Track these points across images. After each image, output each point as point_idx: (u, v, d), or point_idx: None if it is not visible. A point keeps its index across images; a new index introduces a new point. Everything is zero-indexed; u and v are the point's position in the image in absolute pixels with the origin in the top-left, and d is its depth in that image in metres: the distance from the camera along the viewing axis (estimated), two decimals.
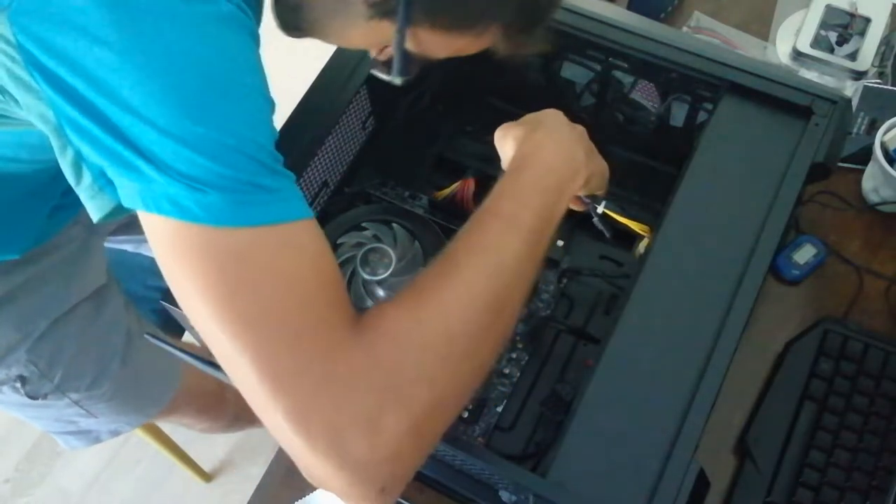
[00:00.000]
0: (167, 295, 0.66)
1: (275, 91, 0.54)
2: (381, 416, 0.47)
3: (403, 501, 0.80)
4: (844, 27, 1.02)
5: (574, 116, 0.87)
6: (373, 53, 0.64)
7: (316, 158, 0.76)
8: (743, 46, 1.07)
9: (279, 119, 0.63)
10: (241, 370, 0.47)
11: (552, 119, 0.69)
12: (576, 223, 0.86)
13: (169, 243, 0.48)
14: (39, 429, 1.03)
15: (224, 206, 0.46)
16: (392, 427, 0.47)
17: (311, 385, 0.46)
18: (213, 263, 0.47)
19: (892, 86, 1.00)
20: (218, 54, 0.48)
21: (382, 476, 0.47)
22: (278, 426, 0.46)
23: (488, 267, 0.55)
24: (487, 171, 0.85)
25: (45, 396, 0.90)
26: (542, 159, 0.64)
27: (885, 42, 1.01)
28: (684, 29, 1.08)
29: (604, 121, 0.86)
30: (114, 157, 0.47)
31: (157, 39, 0.45)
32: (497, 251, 0.56)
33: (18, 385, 0.87)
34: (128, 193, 0.48)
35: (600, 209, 0.72)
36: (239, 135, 0.48)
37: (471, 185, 0.84)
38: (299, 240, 0.49)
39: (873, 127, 0.95)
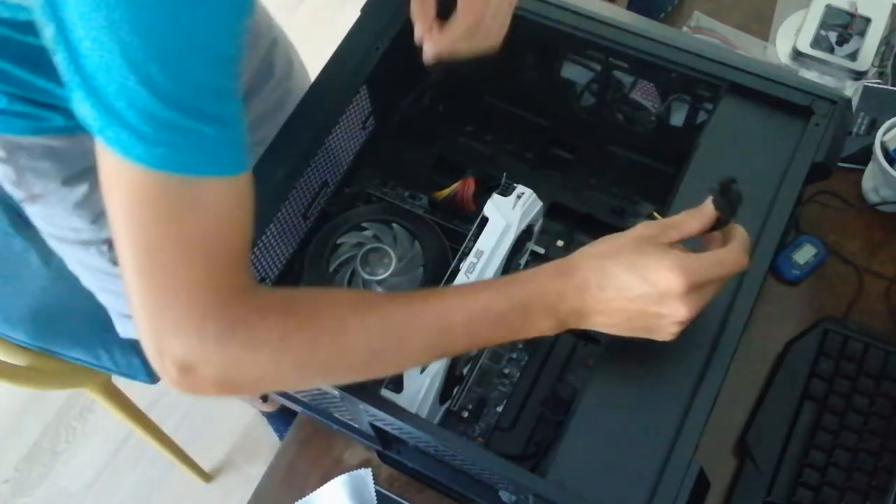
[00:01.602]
0: None
1: None
2: (201, 371, 0.53)
3: (403, 501, 0.80)
4: (844, 27, 1.02)
5: (574, 116, 0.87)
6: None
7: (316, 158, 0.76)
8: (743, 46, 1.07)
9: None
10: (127, 290, 0.52)
11: (633, 288, 0.56)
12: (576, 223, 0.86)
13: (100, 160, 0.50)
14: (105, 304, 1.02)
15: (138, 142, 0.47)
16: (207, 381, 0.53)
17: (166, 328, 0.52)
18: (124, 196, 0.49)
19: (892, 86, 1.00)
20: None
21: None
22: (141, 339, 0.53)
23: (388, 352, 0.57)
24: (487, 171, 0.85)
25: None
26: (574, 298, 0.57)
27: (885, 42, 1.01)
28: (684, 29, 1.08)
29: (604, 121, 0.86)
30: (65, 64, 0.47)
31: None
32: (423, 343, 0.57)
33: (105, 249, 0.89)
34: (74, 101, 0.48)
35: None
36: (182, 75, 0.47)
37: (471, 185, 0.84)
38: (206, 198, 0.50)
39: (873, 127, 0.95)
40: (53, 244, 0.95)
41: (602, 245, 0.58)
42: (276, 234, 0.74)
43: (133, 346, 1.20)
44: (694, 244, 0.60)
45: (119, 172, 0.49)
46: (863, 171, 0.94)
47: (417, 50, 0.73)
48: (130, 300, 0.52)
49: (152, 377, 1.22)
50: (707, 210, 0.58)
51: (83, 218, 0.87)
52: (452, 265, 0.72)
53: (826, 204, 0.93)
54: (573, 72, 0.84)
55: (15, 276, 1.24)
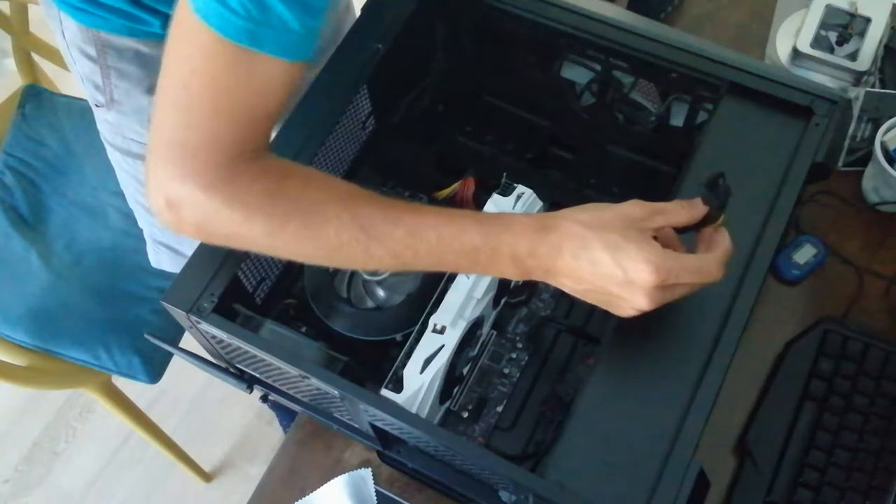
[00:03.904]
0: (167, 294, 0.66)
1: None
2: (184, 211, 0.58)
3: (403, 501, 0.80)
4: (844, 27, 1.02)
5: (574, 116, 0.87)
6: None
7: (316, 158, 0.76)
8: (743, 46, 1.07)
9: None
10: (152, 118, 0.58)
11: (608, 257, 0.56)
12: None
13: (178, 13, 0.56)
14: (143, 226, 1.04)
15: (221, 8, 0.53)
16: (187, 223, 0.59)
17: (169, 163, 0.57)
18: (186, 46, 0.56)
19: (887, 88, 0.99)
20: None
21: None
22: (146, 167, 0.59)
23: (355, 249, 0.59)
24: (487, 171, 0.85)
25: None
26: (545, 256, 0.58)
27: (881, 44, 1.01)
28: None
29: (604, 121, 0.86)
30: None
31: None
32: (389, 250, 0.59)
33: None
34: None
35: None
36: None
37: (471, 185, 0.84)
38: (258, 69, 0.56)
39: (875, 128, 0.94)
40: (114, 155, 0.97)
41: (587, 213, 0.58)
42: None
43: (133, 346, 1.20)
44: (688, 240, 0.60)
45: (192, 28, 0.54)
46: (863, 172, 0.94)
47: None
48: (151, 130, 0.58)
49: (152, 377, 1.22)
50: (696, 203, 0.59)
51: None
52: None
53: (826, 204, 0.93)
54: (573, 72, 0.84)
55: (15, 276, 1.24)
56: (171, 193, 0.58)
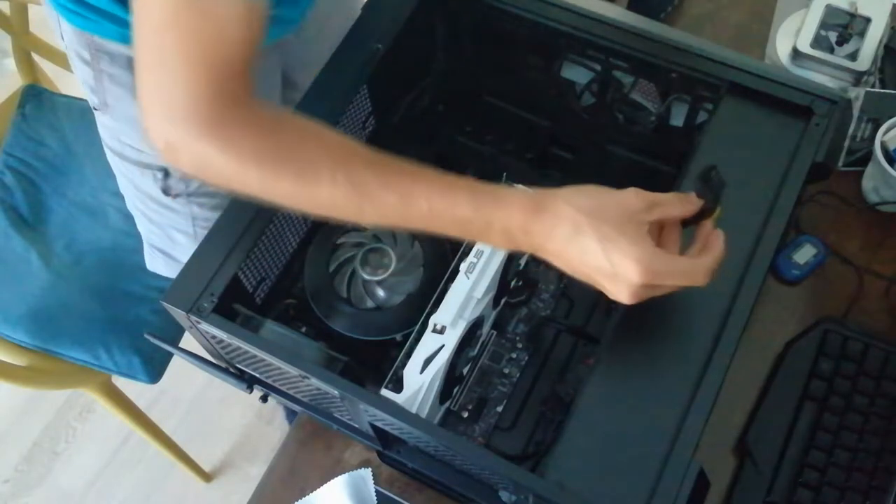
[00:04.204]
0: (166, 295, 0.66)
1: None
2: (180, 154, 0.59)
3: (403, 501, 0.80)
4: (844, 27, 1.02)
5: (574, 116, 0.87)
6: None
7: None
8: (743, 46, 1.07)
9: None
10: (137, 78, 0.58)
11: (599, 242, 0.57)
12: None
13: None
14: (141, 231, 1.05)
15: None
16: (184, 164, 0.60)
17: (161, 110, 0.58)
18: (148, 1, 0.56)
19: (887, 88, 0.99)
20: None
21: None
22: (140, 113, 0.59)
23: (347, 209, 0.60)
24: (487, 171, 0.85)
25: (175, 197, 0.94)
26: (537, 235, 0.58)
27: (881, 44, 1.01)
28: None
29: (604, 121, 0.86)
30: None
31: None
32: (380, 214, 0.60)
33: (160, 176, 0.93)
34: None
35: None
36: None
37: None
38: (219, 10, 0.56)
39: (875, 127, 0.94)
40: (113, 159, 0.97)
41: (586, 198, 0.58)
42: (277, 233, 0.74)
43: (133, 346, 1.20)
44: (688, 233, 0.61)
45: None
46: (863, 171, 0.94)
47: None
48: (137, 85, 0.58)
49: (152, 377, 1.22)
50: (692, 198, 0.59)
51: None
52: (452, 265, 0.72)
53: (826, 204, 0.93)
54: (573, 72, 0.84)
55: (15, 276, 1.24)
56: (168, 138, 0.59)
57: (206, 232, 0.97)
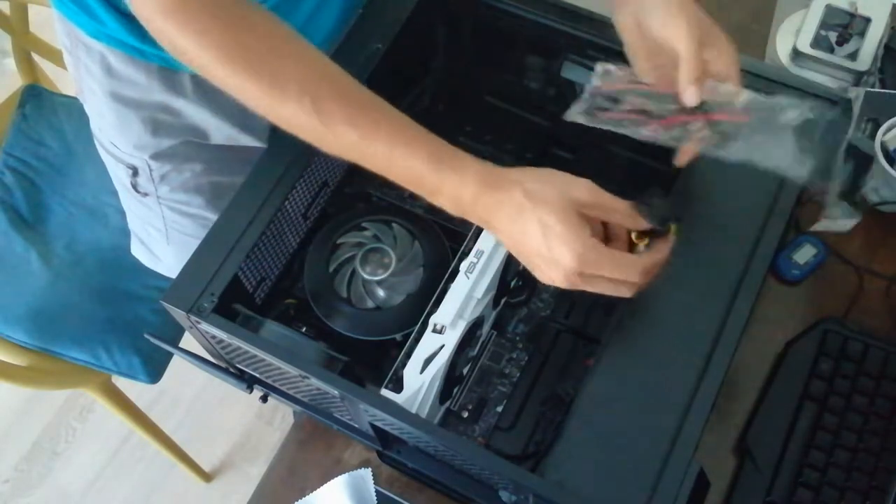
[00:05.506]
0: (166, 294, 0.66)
1: None
2: (153, 26, 0.61)
3: (403, 501, 0.80)
4: (844, 27, 1.02)
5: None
6: None
7: (316, 158, 0.76)
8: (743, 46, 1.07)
9: None
10: None
11: (536, 223, 0.59)
12: None
13: None
14: (129, 219, 1.06)
15: None
16: (158, 37, 0.62)
17: None
18: None
19: (887, 88, 0.99)
20: None
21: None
22: None
23: (308, 134, 0.61)
24: None
25: (144, 196, 0.94)
26: (484, 209, 0.61)
27: (881, 44, 1.01)
28: None
29: None
30: None
31: None
32: (341, 147, 0.61)
33: (130, 173, 0.93)
34: None
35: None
36: None
37: None
38: None
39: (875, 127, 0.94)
40: (98, 149, 0.97)
41: (537, 182, 0.60)
42: (277, 233, 0.74)
43: (133, 346, 1.20)
44: None
45: None
46: None
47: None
48: None
49: (152, 377, 1.22)
50: (637, 217, 0.62)
51: (123, 137, 0.88)
52: (452, 265, 0.72)
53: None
54: (573, 72, 0.84)
55: (15, 276, 1.24)
56: (140, 12, 0.61)
57: (178, 235, 0.97)
